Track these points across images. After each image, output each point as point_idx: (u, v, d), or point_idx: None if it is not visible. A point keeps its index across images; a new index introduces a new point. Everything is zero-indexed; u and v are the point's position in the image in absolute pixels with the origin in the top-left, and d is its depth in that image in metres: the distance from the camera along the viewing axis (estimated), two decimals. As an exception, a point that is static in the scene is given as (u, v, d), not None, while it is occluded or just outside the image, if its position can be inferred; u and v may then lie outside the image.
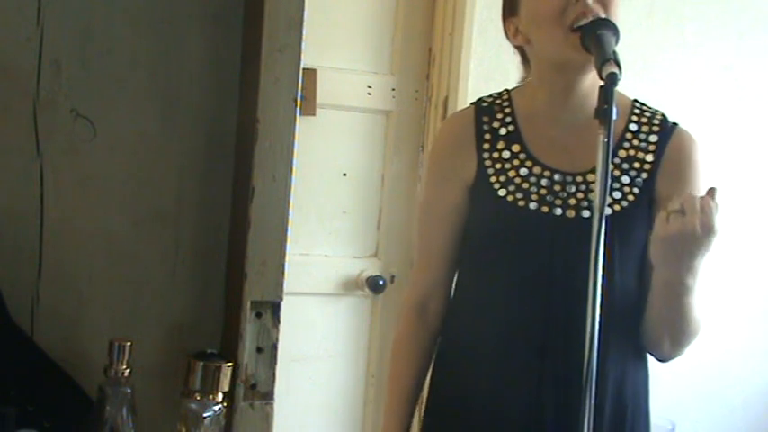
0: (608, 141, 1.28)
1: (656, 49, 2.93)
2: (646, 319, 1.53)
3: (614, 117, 1.28)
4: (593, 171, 1.51)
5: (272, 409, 1.57)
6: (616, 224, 1.47)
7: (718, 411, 3.19)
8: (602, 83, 1.32)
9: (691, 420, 2.98)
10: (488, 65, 2.71)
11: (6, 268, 1.50)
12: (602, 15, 1.45)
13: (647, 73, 2.83)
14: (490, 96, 1.66)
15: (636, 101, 1.61)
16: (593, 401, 1.26)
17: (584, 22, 1.44)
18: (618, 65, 1.32)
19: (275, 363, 1.57)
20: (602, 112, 1.29)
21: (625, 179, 1.53)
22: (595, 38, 1.39)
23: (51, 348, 1.51)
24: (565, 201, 1.53)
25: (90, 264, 1.57)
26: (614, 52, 1.35)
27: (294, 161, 1.56)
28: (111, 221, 1.58)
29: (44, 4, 1.51)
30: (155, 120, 1.60)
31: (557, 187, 1.54)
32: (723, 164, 3.05)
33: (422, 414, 1.72)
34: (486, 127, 1.61)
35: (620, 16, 1.48)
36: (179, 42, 1.60)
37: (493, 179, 1.57)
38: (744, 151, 3.15)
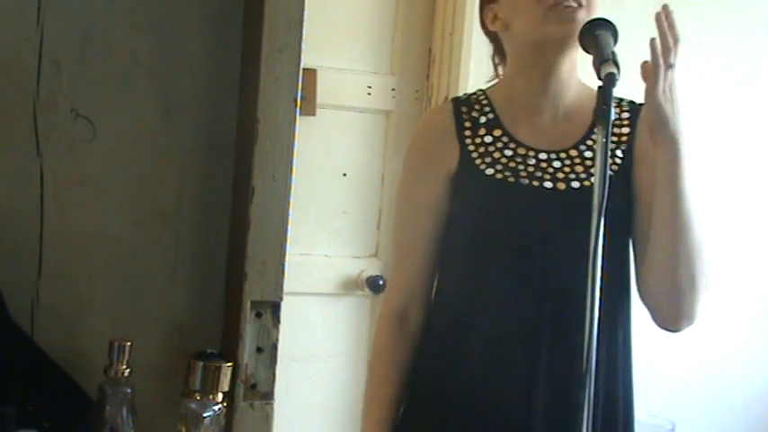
0: (606, 141, 1.28)
1: (655, 49, 2.93)
2: (653, 262, 1.50)
3: (612, 117, 1.28)
4: (573, 147, 1.56)
5: (272, 409, 1.58)
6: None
7: (718, 411, 3.19)
8: (600, 82, 1.32)
9: (691, 420, 2.98)
10: (488, 65, 2.68)
11: (6, 268, 1.50)
12: (583, 2, 1.47)
13: (647, 73, 2.83)
14: (464, 94, 1.68)
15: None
16: (592, 380, 1.25)
17: (566, 3, 1.46)
18: (616, 65, 1.32)
19: (275, 363, 1.57)
20: (601, 112, 1.29)
21: None
22: (594, 38, 1.40)
23: (51, 348, 1.51)
24: (553, 175, 1.54)
25: (90, 264, 1.57)
26: (613, 52, 1.35)
27: (294, 161, 1.56)
28: (111, 221, 1.58)
29: (44, 4, 1.51)
30: (155, 120, 1.60)
31: (543, 164, 1.55)
32: (723, 164, 3.05)
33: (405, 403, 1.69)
34: (465, 116, 1.62)
35: (599, 6, 1.51)
36: (179, 42, 1.60)
37: (478, 161, 1.57)
38: (744, 151, 3.14)
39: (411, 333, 1.65)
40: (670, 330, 1.54)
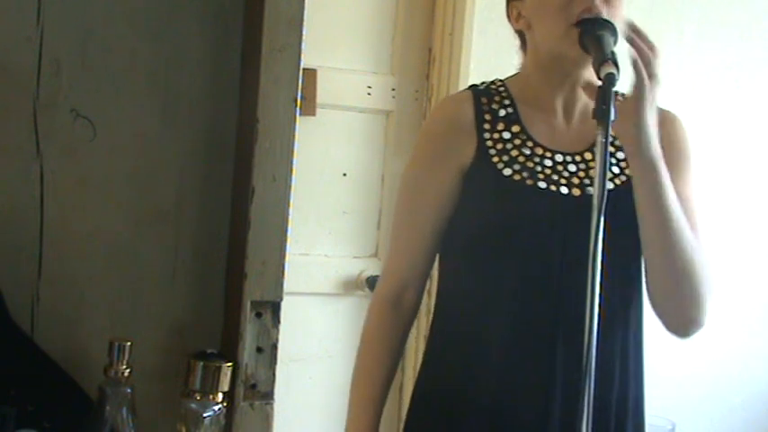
0: (606, 141, 1.28)
1: (655, 49, 2.93)
2: (653, 279, 1.51)
3: (612, 117, 1.28)
4: (588, 150, 1.55)
5: (272, 409, 1.58)
6: (621, 197, 1.48)
7: (718, 411, 3.19)
8: (599, 82, 1.32)
9: (691, 420, 2.98)
10: (488, 65, 2.70)
11: (6, 268, 1.50)
12: (605, 15, 1.45)
13: (647, 73, 2.83)
14: (483, 83, 1.65)
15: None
16: (593, 383, 1.25)
17: (587, 16, 1.45)
18: (616, 65, 1.32)
19: (275, 363, 1.58)
20: (600, 113, 1.29)
21: (620, 155, 1.55)
22: (594, 38, 1.39)
23: (51, 348, 1.51)
24: (568, 180, 1.52)
25: (90, 264, 1.57)
26: (613, 52, 1.35)
27: (294, 161, 1.56)
28: (111, 221, 1.58)
29: (44, 4, 1.51)
30: (155, 120, 1.60)
31: (559, 167, 1.53)
32: (723, 164, 3.05)
33: (407, 408, 1.67)
34: (485, 108, 1.58)
35: (623, 17, 1.49)
36: (179, 42, 1.60)
37: (495, 159, 1.54)
38: (744, 151, 3.14)
39: (404, 316, 1.63)
40: (680, 336, 1.55)
